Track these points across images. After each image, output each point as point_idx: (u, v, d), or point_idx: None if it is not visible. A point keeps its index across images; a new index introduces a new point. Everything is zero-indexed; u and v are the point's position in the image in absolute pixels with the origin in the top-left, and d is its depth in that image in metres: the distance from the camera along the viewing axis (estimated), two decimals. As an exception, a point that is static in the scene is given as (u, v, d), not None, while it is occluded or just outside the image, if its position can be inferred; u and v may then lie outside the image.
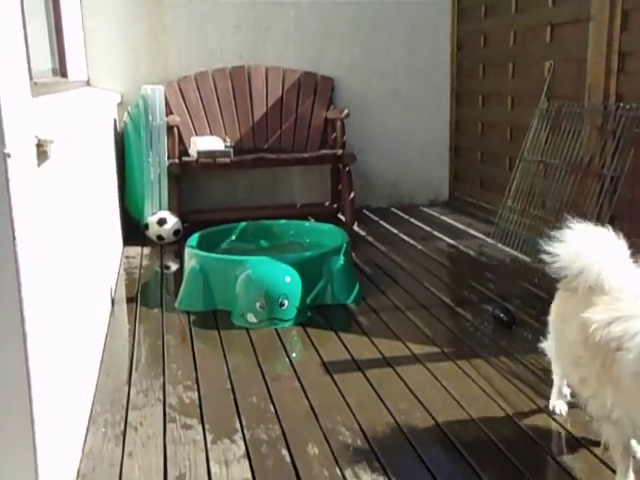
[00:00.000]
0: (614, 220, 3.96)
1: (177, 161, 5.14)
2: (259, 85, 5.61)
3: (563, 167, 4.26)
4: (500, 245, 4.76)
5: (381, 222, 5.65)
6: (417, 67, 5.91)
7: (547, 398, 2.61)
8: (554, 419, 2.47)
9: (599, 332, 1.86)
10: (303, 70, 5.65)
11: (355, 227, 5.38)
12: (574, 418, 2.45)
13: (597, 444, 2.23)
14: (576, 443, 2.31)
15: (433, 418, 2.50)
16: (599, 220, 3.96)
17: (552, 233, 2.18)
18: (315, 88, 5.67)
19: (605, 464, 2.16)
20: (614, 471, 2.06)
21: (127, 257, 4.72)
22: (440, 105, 6.05)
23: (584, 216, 4.00)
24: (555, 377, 2.55)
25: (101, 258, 3.55)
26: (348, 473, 2.18)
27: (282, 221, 4.53)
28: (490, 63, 5.45)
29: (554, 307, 2.39)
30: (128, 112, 5.13)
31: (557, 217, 4.26)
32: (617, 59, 3.84)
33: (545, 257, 2.15)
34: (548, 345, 2.47)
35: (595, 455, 2.22)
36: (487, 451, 2.29)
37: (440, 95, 6.03)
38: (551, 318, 2.41)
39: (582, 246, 2.08)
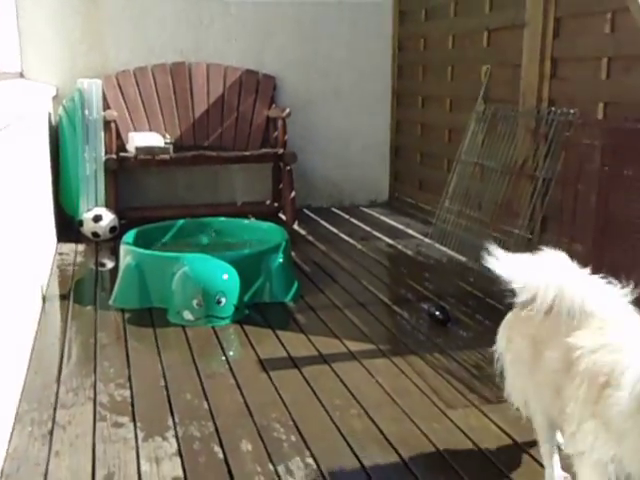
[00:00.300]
0: (546, 221, 4.09)
1: (114, 157, 5.04)
2: (200, 82, 5.54)
3: (498, 169, 4.36)
4: (437, 245, 4.83)
5: (321, 222, 5.66)
6: (359, 68, 5.96)
7: (479, 394, 2.66)
8: (485, 414, 2.52)
9: (584, 359, 1.68)
10: (245, 68, 5.62)
11: (295, 226, 5.38)
12: (505, 414, 2.50)
13: (531, 444, 2.28)
14: (507, 438, 2.36)
15: (367, 414, 2.52)
16: (532, 221, 4.07)
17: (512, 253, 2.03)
18: (257, 86, 5.65)
19: (534, 458, 2.22)
20: (542, 466, 2.11)
21: (60, 254, 4.59)
22: (381, 106, 6.11)
23: (517, 217, 4.15)
24: (540, 439, 2.07)
25: (30, 254, 3.44)
26: (281, 469, 2.17)
27: (221, 218, 4.49)
28: (430, 66, 5.54)
29: (509, 333, 2.09)
30: (63, 106, 4.99)
31: (492, 218, 4.36)
32: (550, 65, 3.96)
33: (508, 281, 1.93)
34: (512, 386, 2.12)
35: (525, 450, 2.28)
36: (419, 446, 2.31)
37: (381, 96, 6.09)
38: (506, 347, 2.10)
39: (549, 271, 1.90)
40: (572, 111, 3.71)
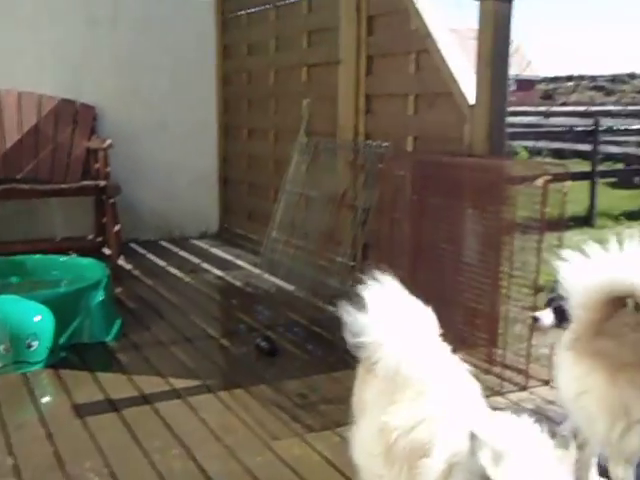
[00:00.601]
0: (367, 248, 4.26)
1: None
2: (11, 111, 5.21)
3: (321, 199, 4.49)
4: (267, 275, 4.86)
5: (149, 255, 5.50)
6: (184, 100, 5.90)
7: (302, 423, 2.68)
8: (308, 443, 2.53)
9: (402, 440, 1.48)
10: (61, 97, 5.36)
11: (120, 261, 5.17)
12: (328, 442, 2.54)
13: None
14: (329, 467, 2.39)
15: (189, 453, 2.44)
16: (354, 249, 4.23)
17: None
18: (75, 116, 5.40)
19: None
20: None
21: None
22: (208, 138, 6.09)
23: (340, 245, 4.29)
24: None
25: None
26: (93, 522, 2.04)
27: (37, 256, 4.20)
28: (254, 99, 5.62)
29: (356, 392, 1.83)
30: None
31: (318, 247, 4.47)
32: (364, 100, 4.17)
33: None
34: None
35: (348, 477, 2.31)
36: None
37: (207, 128, 6.07)
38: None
39: (378, 319, 1.67)
40: (385, 144, 3.92)
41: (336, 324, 4.01)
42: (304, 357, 3.46)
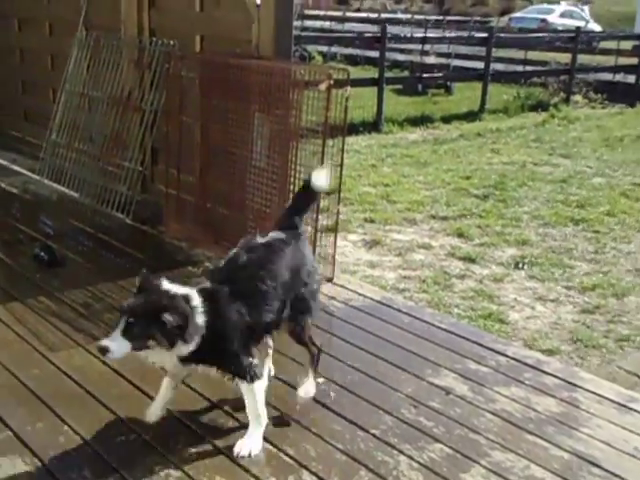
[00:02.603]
0: (156, 153, 4.10)
1: None
2: None
3: (105, 100, 4.21)
4: (47, 181, 4.54)
5: None
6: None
7: (86, 332, 2.60)
8: (91, 353, 2.46)
9: None
10: None
11: None
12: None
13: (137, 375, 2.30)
14: (112, 373, 2.35)
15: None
16: (142, 153, 4.05)
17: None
18: None
19: (138, 388, 2.25)
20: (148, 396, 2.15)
21: None
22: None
23: (128, 150, 4.08)
24: None
25: None
26: None
27: None
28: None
29: None
30: None
31: (103, 151, 4.23)
32: (147, -6, 3.89)
33: None
34: None
35: (133, 384, 2.29)
36: (16, 396, 2.17)
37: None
38: None
39: None
40: (172, 43, 3.72)
41: (124, 231, 3.91)
42: (90, 266, 3.33)
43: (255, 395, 1.92)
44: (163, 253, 3.54)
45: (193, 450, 1.95)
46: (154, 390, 2.21)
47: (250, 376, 1.89)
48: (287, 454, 1.96)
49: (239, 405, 2.00)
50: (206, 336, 1.79)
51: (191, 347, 1.78)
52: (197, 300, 1.81)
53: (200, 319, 1.79)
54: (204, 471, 1.86)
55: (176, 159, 3.72)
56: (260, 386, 1.92)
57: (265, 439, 1.99)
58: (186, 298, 1.80)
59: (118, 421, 2.08)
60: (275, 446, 1.99)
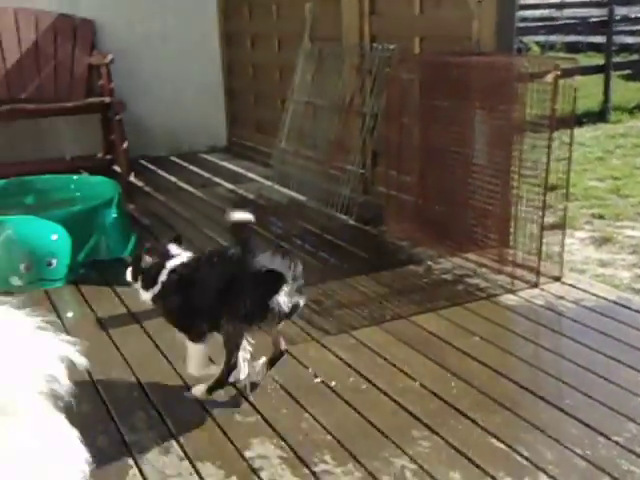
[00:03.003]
0: (376, 156, 4.24)
1: None
2: (8, 29, 5.10)
3: (328, 107, 4.43)
4: (278, 187, 4.87)
5: (159, 171, 5.51)
6: (184, 9, 5.74)
7: (319, 327, 2.76)
8: (325, 346, 2.61)
9: None
10: (58, 12, 5.23)
11: (131, 178, 5.19)
12: (343, 344, 2.62)
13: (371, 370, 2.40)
14: (345, 367, 2.47)
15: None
16: (363, 156, 4.20)
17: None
18: (74, 32, 5.29)
19: (372, 383, 2.34)
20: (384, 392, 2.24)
21: None
22: (211, 48, 5.96)
23: (349, 153, 4.26)
24: None
25: None
26: (124, 426, 2.15)
27: (46, 176, 4.23)
28: (255, 3, 5.45)
29: None
30: None
31: (327, 156, 4.45)
32: (368, 1, 4.03)
33: None
34: None
35: (363, 376, 2.39)
36: (262, 385, 2.37)
37: (209, 37, 5.93)
38: None
39: None
40: (391, 47, 3.82)
41: (348, 232, 4.07)
42: (318, 265, 3.51)
43: (190, 350, 2.27)
44: (385, 252, 3.64)
45: (426, 444, 1.99)
46: (385, 384, 2.31)
47: (190, 335, 2.26)
48: (521, 455, 1.92)
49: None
50: (162, 291, 2.26)
51: (150, 294, 2.30)
52: (172, 265, 2.25)
53: (163, 277, 2.25)
54: (438, 465, 1.90)
55: (396, 161, 3.81)
56: (196, 348, 2.26)
57: (496, 437, 1.98)
58: (168, 257, 2.27)
59: (352, 412, 2.19)
60: (509, 446, 1.97)
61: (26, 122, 5.14)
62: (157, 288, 2.27)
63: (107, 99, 5.05)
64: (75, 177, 4.34)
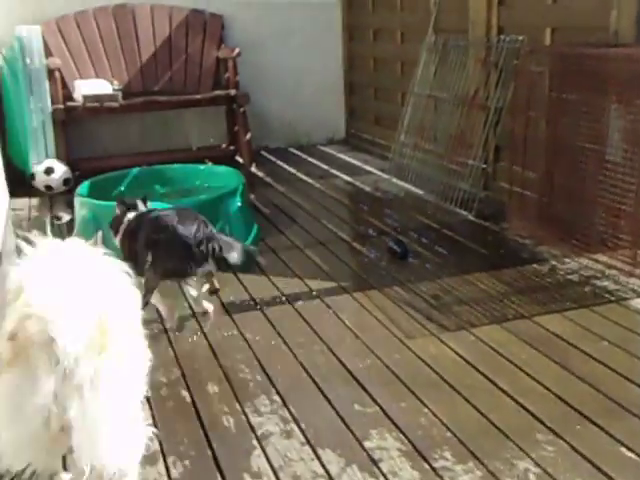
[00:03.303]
0: (499, 150, 4.14)
1: (61, 107, 4.90)
2: (145, 24, 5.38)
3: (451, 100, 4.37)
4: (395, 180, 4.86)
5: (279, 162, 5.63)
6: (309, 3, 5.82)
7: (437, 322, 2.74)
8: (444, 342, 2.59)
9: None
10: (190, 7, 5.46)
11: (253, 168, 5.35)
12: (462, 341, 2.59)
13: (491, 367, 2.37)
14: (464, 363, 2.45)
15: (330, 350, 2.58)
16: (485, 150, 4.12)
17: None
18: (204, 26, 5.50)
19: (491, 381, 2.31)
20: (498, 386, 2.21)
21: (14, 209, 4.50)
22: (333, 42, 6.02)
23: (471, 148, 4.18)
24: None
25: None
26: (248, 408, 2.23)
27: (175, 165, 4.43)
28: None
29: None
30: (2, 55, 4.81)
31: (447, 150, 4.39)
32: (497, -9, 3.93)
33: None
34: None
35: (482, 373, 2.37)
36: (380, 377, 2.39)
37: (332, 31, 5.98)
38: None
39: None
40: (520, 38, 3.71)
41: (467, 228, 4.01)
42: (436, 260, 3.48)
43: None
44: (506, 250, 3.55)
45: (551, 449, 1.94)
46: (506, 384, 2.26)
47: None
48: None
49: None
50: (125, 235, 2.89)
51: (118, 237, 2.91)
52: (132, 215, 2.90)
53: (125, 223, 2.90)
54: (563, 471, 1.84)
55: (521, 156, 3.70)
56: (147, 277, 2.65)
57: (625, 446, 1.90)
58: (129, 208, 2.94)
59: (472, 410, 2.16)
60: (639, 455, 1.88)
61: (155, 113, 5.41)
62: (119, 235, 2.91)
63: (233, 92, 5.22)
64: (202, 167, 4.53)
